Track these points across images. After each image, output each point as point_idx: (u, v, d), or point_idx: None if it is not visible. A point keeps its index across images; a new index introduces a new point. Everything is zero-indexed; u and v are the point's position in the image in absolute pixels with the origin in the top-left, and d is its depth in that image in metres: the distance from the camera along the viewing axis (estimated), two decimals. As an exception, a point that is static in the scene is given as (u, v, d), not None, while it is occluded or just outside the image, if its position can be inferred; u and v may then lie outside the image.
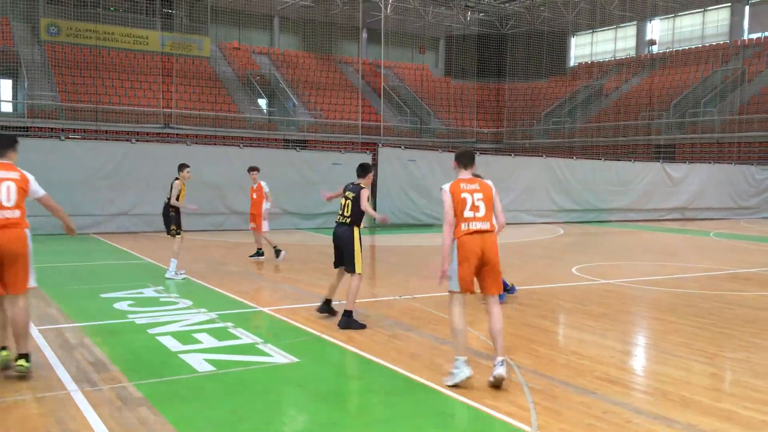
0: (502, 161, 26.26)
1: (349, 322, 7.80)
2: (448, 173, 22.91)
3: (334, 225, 8.32)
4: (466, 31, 46.41)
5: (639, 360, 7.13)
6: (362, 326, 7.81)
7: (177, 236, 11.37)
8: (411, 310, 9.02)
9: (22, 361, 5.76)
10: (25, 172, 6.03)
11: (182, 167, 11.61)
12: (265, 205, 13.79)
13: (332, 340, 7.30)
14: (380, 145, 24.70)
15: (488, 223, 5.93)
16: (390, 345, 7.14)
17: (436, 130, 41.90)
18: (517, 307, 9.40)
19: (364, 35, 43.66)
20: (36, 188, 6.11)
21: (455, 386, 5.67)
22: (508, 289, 9.68)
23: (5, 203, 5.78)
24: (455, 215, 5.86)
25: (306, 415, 5.23)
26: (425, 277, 11.63)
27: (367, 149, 25.69)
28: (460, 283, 5.86)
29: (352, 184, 8.35)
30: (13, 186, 5.86)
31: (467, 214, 5.85)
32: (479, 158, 26.82)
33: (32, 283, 6.01)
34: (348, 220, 8.14)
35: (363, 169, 8.39)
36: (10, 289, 5.81)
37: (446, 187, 6.00)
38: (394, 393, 5.69)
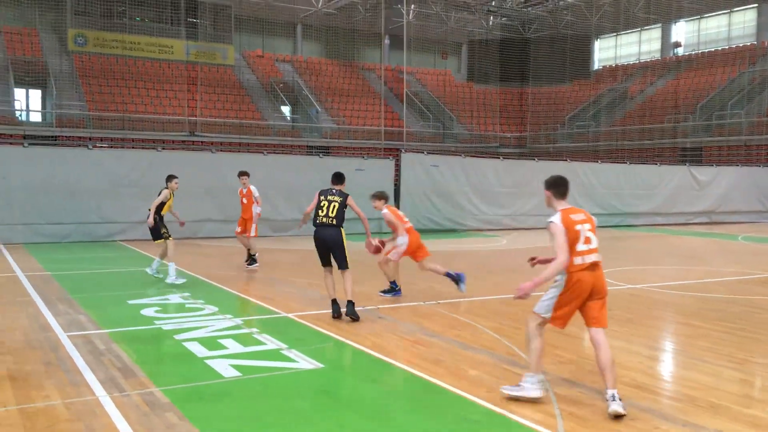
0: (526, 165, 26.14)
1: (355, 309, 8.56)
2: (471, 178, 22.93)
3: (319, 227, 8.95)
4: (488, 36, 46.32)
5: (666, 365, 7.05)
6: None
7: (168, 239, 11.51)
8: (434, 315, 9.01)
9: None
10: None
11: (170, 178, 11.90)
12: (256, 209, 13.85)
13: (356, 345, 7.32)
14: (403, 150, 24.72)
15: (598, 254, 5.66)
16: (414, 350, 7.14)
17: (459, 135, 41.82)
18: (541, 312, 9.35)
19: (387, 41, 43.77)
20: None
21: (514, 399, 5.54)
22: (455, 278, 10.07)
23: None
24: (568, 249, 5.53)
25: (330, 422, 5.24)
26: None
27: (390, 155, 25.73)
28: (560, 319, 5.56)
29: (332, 189, 9.18)
30: None
31: (581, 247, 5.53)
32: (501, 163, 26.73)
33: None
34: (334, 221, 8.91)
35: (340, 178, 9.33)
36: None
37: (557, 220, 5.67)
38: (417, 398, 5.69)
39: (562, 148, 41.06)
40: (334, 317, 8.58)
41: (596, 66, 49.38)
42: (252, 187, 13.96)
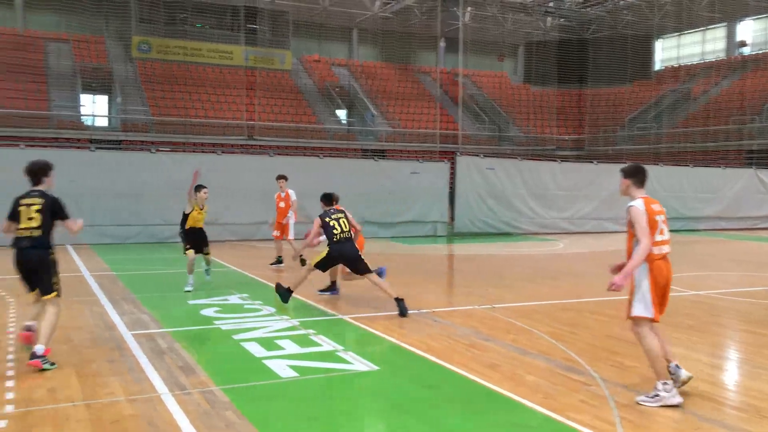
0: (584, 168, 25.70)
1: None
2: (528, 181, 22.68)
3: (337, 243, 9.46)
4: (546, 37, 45.71)
5: (730, 374, 6.83)
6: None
7: (187, 252, 11.21)
8: (490, 320, 8.95)
9: None
10: None
11: (198, 188, 11.44)
12: (291, 215, 14.03)
13: (411, 348, 7.33)
14: (458, 153, 24.63)
15: (670, 246, 5.74)
16: (468, 354, 7.11)
17: (515, 138, 41.39)
18: (600, 318, 9.18)
19: (442, 44, 43.67)
20: None
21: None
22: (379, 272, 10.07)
23: None
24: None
25: (385, 424, 5.27)
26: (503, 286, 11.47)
27: (445, 158, 25.65)
28: (655, 309, 5.58)
29: (331, 209, 9.76)
30: None
31: (657, 237, 5.57)
32: (559, 166, 26.35)
33: None
34: (350, 235, 9.60)
35: (332, 198, 9.96)
36: None
37: (639, 205, 5.63)
38: (473, 403, 5.67)
39: (621, 151, 40.15)
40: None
41: (658, 66, 48.13)
42: (290, 191, 14.16)
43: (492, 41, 45.64)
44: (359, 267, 9.56)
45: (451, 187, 23.65)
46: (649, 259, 5.53)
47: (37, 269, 6.69)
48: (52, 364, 6.41)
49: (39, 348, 6.41)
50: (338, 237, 9.48)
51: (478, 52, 44.46)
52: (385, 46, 43.59)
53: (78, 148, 22.90)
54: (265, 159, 21.25)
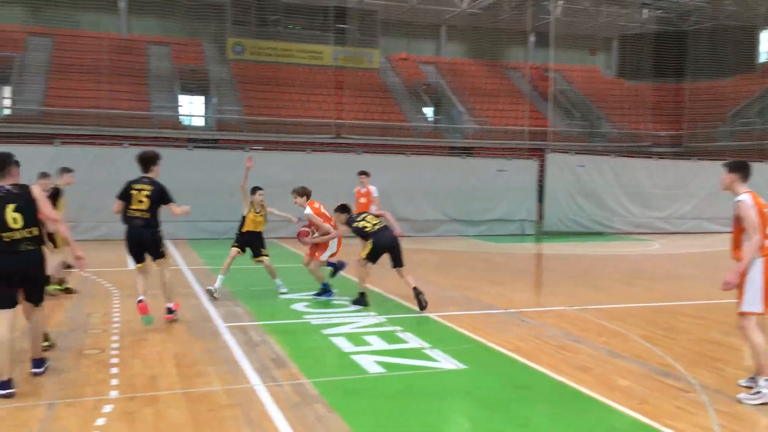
0: (682, 166, 24.63)
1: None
2: (621, 179, 21.91)
3: (377, 233, 9.57)
4: (642, 30, 44.06)
5: None
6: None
7: (231, 248, 10.74)
8: (581, 321, 8.73)
9: None
10: None
11: (254, 190, 11.02)
12: (372, 209, 13.88)
13: (499, 348, 7.25)
14: (548, 150, 24.14)
15: None
16: (558, 356, 6.96)
17: (608, 134, 40.12)
18: (699, 322, 8.79)
19: (532, 39, 42.87)
20: None
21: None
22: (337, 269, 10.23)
23: None
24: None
25: (472, 423, 5.24)
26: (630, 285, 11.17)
27: (534, 155, 25.19)
28: (765, 304, 5.49)
29: (354, 215, 10.05)
30: None
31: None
32: (655, 163, 25.30)
33: None
34: (385, 223, 9.77)
35: (347, 208, 10.15)
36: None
37: (747, 199, 5.55)
38: (563, 405, 5.55)
39: (723, 147, 38.17)
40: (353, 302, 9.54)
41: (763, 59, 45.46)
42: (372, 188, 14.14)
43: (584, 35, 44.40)
44: (400, 256, 9.59)
45: (539, 185, 23.21)
46: (762, 254, 5.41)
47: (149, 245, 8.08)
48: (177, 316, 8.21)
49: (170, 305, 8.24)
50: (374, 228, 9.57)
51: (570, 46, 43.35)
52: (474, 43, 43.21)
53: (176, 146, 23.90)
54: (352, 157, 21.52)
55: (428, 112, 39.37)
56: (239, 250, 10.63)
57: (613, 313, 9.33)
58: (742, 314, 5.55)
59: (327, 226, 10.08)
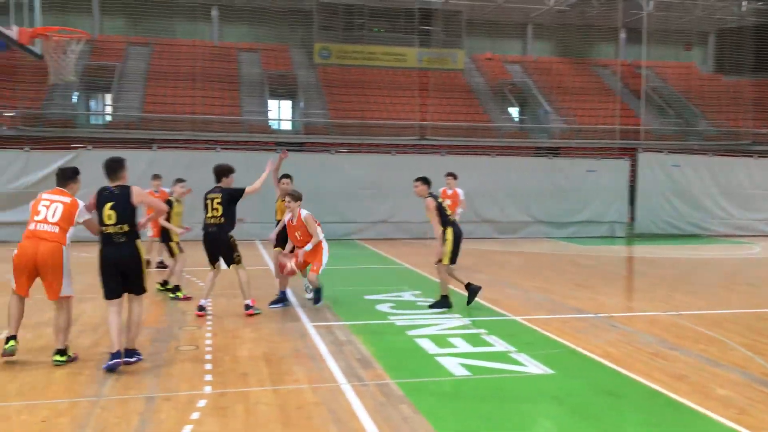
0: (786, 165, 23.27)
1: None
2: (719, 179, 21.01)
3: (454, 224, 9.82)
4: (740, 23, 41.90)
5: None
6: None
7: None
8: (676, 328, 8.38)
9: (57, 356, 6.47)
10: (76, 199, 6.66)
11: (282, 178, 10.59)
12: (458, 211, 13.65)
13: (588, 354, 7.07)
14: (640, 150, 23.34)
15: None
16: (652, 363, 6.71)
17: (705, 133, 38.35)
18: (805, 331, 8.27)
19: (623, 35, 41.57)
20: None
21: None
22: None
23: (50, 219, 6.44)
24: None
25: (561, 429, 5.12)
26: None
27: (625, 155, 24.39)
28: None
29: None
30: (60, 207, 6.52)
31: None
32: (756, 162, 24.01)
33: (67, 292, 6.51)
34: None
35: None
36: (48, 295, 6.54)
37: None
38: (657, 415, 5.35)
39: (831, 145, 35.83)
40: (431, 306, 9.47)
41: None
42: (459, 190, 13.97)
43: (678, 29, 42.65)
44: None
45: (631, 186, 22.47)
46: None
47: (223, 250, 8.89)
48: (257, 310, 8.89)
49: (247, 302, 8.85)
50: (452, 216, 9.82)
51: (663, 41, 41.77)
52: (561, 40, 42.29)
53: (265, 150, 24.56)
54: (436, 158, 21.49)
55: (513, 112, 38.81)
56: (280, 248, 9.94)
57: (710, 319, 8.91)
58: None
59: (316, 233, 9.39)
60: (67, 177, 6.75)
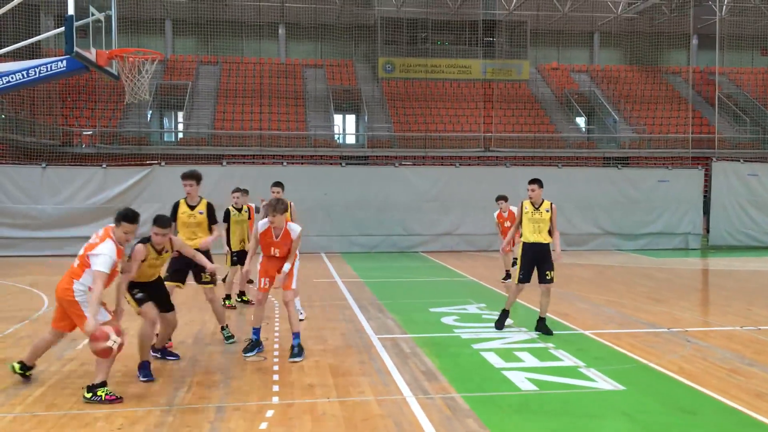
0: None
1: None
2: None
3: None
4: (821, 24, 40.05)
5: None
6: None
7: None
8: (755, 343, 8.03)
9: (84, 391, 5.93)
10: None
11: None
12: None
13: (661, 369, 6.84)
14: (714, 159, 22.54)
15: None
16: (730, 380, 6.44)
17: (784, 140, 36.74)
18: None
19: (695, 41, 40.36)
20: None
21: None
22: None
23: None
24: None
25: (633, 447, 4.98)
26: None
27: (699, 164, 23.60)
28: None
29: None
30: None
31: None
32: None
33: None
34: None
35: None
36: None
37: None
38: (735, 434, 5.13)
39: None
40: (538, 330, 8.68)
41: None
42: (514, 209, 13.59)
43: (754, 34, 41.11)
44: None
45: (705, 196, 21.71)
46: None
47: None
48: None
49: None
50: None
51: (737, 47, 40.33)
52: (630, 48, 41.36)
53: (331, 164, 24.89)
54: (501, 170, 21.29)
55: (580, 121, 38.13)
56: None
57: (793, 335, 8.49)
58: None
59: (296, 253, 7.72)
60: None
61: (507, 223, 13.66)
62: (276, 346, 7.94)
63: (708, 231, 21.62)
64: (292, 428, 5.21)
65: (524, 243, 8.78)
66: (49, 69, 10.81)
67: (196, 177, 8.49)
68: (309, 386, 6.30)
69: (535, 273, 8.77)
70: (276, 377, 6.61)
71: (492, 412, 5.57)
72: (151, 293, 6.82)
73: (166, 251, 6.83)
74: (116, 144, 29.67)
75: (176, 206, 8.43)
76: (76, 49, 10.03)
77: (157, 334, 7.13)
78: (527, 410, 5.63)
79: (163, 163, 19.40)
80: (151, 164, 19.51)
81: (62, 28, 10.11)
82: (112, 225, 6.10)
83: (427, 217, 20.18)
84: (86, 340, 8.15)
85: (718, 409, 5.69)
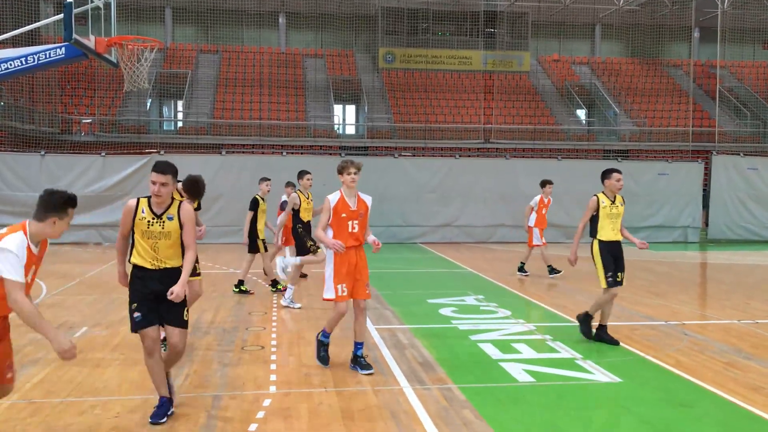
0: None
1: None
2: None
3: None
4: (824, 18, 39.93)
5: None
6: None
7: (317, 251, 9.68)
8: (752, 337, 8.04)
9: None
10: None
11: (301, 174, 10.26)
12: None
13: (658, 362, 6.85)
14: (714, 152, 22.52)
15: None
16: (726, 374, 6.45)
17: (784, 134, 36.70)
18: None
19: (696, 34, 40.24)
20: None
21: None
22: None
23: None
24: None
25: (629, 439, 4.99)
26: (770, 301, 10.25)
27: (699, 157, 23.58)
28: None
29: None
30: None
31: None
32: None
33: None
34: None
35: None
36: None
37: None
38: (732, 427, 5.14)
39: None
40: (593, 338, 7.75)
41: None
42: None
43: (755, 28, 40.99)
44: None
45: (705, 190, 21.70)
46: None
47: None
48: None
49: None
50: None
51: (738, 40, 40.24)
52: (631, 41, 41.26)
53: (330, 154, 24.84)
54: (501, 162, 21.27)
55: (581, 114, 38.07)
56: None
57: (790, 329, 8.50)
58: None
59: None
60: None
61: (544, 211, 13.43)
62: (274, 336, 7.94)
63: (707, 225, 21.62)
64: (289, 418, 5.21)
65: (601, 242, 7.76)
66: (48, 56, 10.79)
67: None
68: (306, 376, 6.30)
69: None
70: (273, 366, 6.61)
71: (488, 403, 5.58)
72: (154, 301, 5.04)
73: (170, 218, 5.05)
74: (115, 132, 29.60)
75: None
76: (75, 36, 9.99)
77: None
78: (524, 401, 5.64)
79: (162, 152, 19.36)
80: (150, 153, 19.48)
81: (61, 15, 10.07)
82: (31, 219, 4.31)
83: (427, 208, 20.17)
84: (84, 329, 8.15)
85: (714, 402, 5.70)
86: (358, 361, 6.48)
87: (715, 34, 32.53)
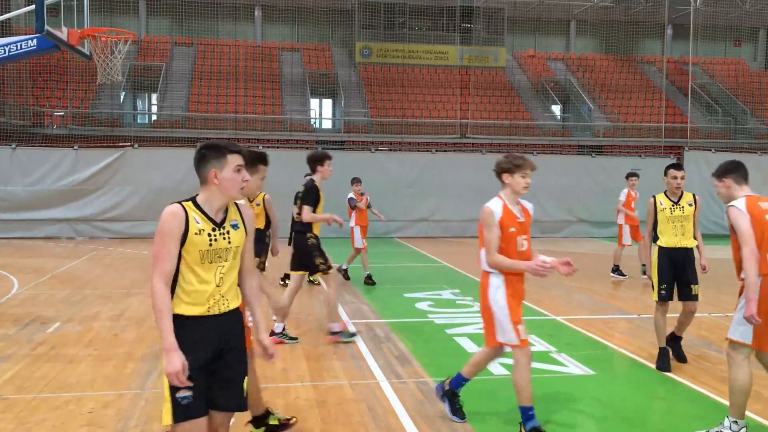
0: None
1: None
2: (766, 178, 20.24)
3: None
4: (793, 17, 40.66)
5: None
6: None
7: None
8: (722, 330, 8.19)
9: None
10: None
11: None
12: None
13: (631, 355, 6.95)
14: (686, 148, 22.86)
15: None
16: (698, 366, 6.57)
17: (755, 131, 37.32)
18: None
19: (669, 32, 40.74)
20: None
21: None
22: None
23: None
24: (756, 245, 4.52)
25: (604, 430, 5.06)
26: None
27: (671, 153, 23.92)
28: (754, 337, 4.56)
29: None
30: None
31: None
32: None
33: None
34: None
35: None
36: None
37: (740, 205, 4.73)
38: (703, 419, 5.23)
39: None
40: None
41: None
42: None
43: (727, 25, 41.64)
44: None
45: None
46: (762, 272, 4.54)
47: (301, 253, 7.49)
48: (345, 337, 7.38)
49: (333, 325, 7.44)
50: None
51: (711, 37, 40.82)
52: (605, 37, 41.65)
53: (307, 148, 24.76)
54: (477, 157, 21.37)
55: (556, 109, 38.38)
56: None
57: (759, 322, 8.68)
58: (731, 341, 4.71)
59: None
60: None
61: (633, 204, 13.43)
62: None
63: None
64: (266, 412, 5.19)
65: (661, 248, 7.02)
66: (18, 47, 10.58)
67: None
68: (283, 370, 6.29)
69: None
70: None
71: (464, 396, 5.61)
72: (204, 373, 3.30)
73: (235, 225, 3.39)
74: (88, 125, 29.15)
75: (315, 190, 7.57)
76: (46, 27, 9.82)
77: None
78: (498, 395, 5.69)
79: (136, 146, 19.12)
80: (123, 146, 19.23)
81: (33, 6, 9.89)
82: None
83: (403, 202, 20.20)
84: (57, 324, 8.05)
85: (686, 394, 5.81)
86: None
87: (687, 31, 32.97)
